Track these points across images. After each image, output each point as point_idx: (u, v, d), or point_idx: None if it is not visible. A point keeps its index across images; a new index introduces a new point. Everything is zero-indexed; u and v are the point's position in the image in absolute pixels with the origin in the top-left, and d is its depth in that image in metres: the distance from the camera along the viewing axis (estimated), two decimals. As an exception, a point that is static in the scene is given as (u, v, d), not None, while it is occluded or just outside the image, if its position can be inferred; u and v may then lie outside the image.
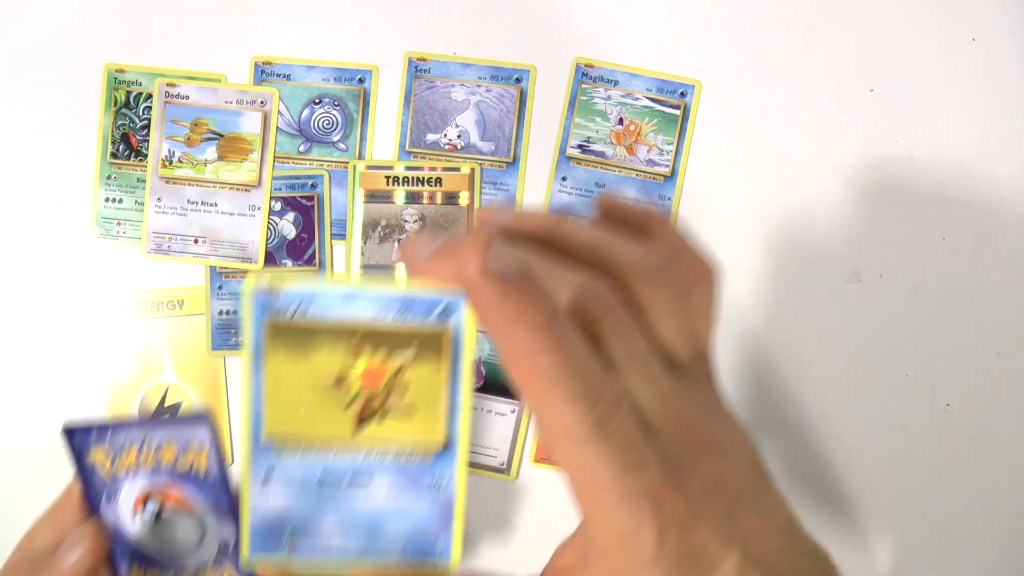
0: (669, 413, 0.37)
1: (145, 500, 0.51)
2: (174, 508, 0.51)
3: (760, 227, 0.69)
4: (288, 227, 0.69)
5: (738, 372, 0.69)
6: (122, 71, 0.69)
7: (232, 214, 0.69)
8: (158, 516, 0.51)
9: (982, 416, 0.69)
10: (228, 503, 0.51)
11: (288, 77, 0.69)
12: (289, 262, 0.69)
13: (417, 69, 0.69)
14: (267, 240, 0.69)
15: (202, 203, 0.69)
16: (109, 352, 0.70)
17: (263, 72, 0.69)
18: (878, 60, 0.69)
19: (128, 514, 0.52)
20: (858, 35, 0.69)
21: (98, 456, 0.52)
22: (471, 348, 0.39)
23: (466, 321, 0.38)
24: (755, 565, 0.37)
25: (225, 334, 0.69)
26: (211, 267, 0.69)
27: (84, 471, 0.52)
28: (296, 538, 0.41)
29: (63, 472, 0.70)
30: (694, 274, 0.40)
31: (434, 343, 0.39)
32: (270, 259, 0.69)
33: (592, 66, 0.69)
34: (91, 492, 0.53)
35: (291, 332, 0.38)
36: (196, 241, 0.69)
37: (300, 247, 0.69)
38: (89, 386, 0.70)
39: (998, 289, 0.68)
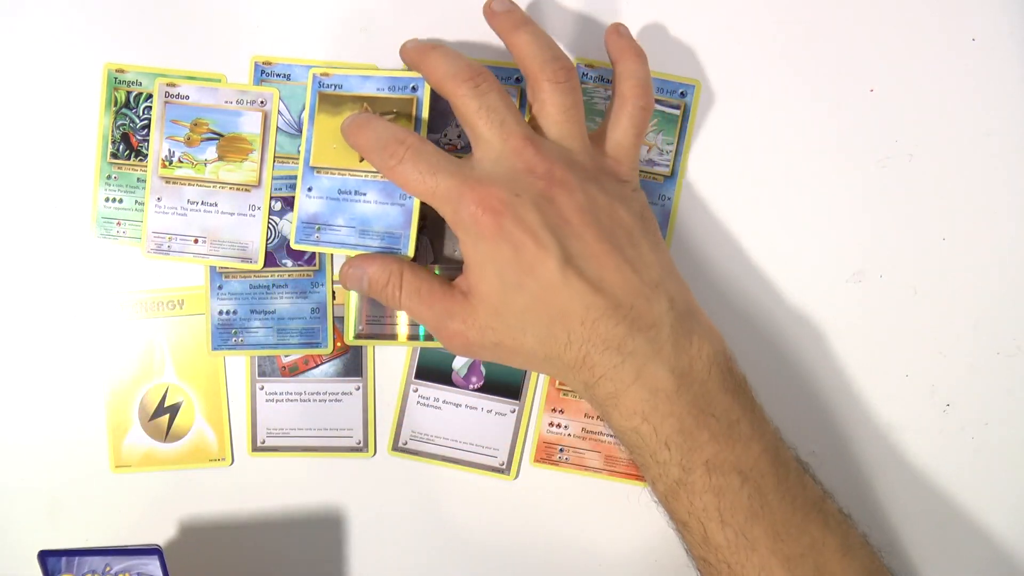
0: (507, 144, 0.59)
1: None
2: None
3: (760, 227, 0.69)
4: (288, 227, 0.69)
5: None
6: (122, 71, 0.69)
7: (232, 214, 0.69)
8: None
9: (982, 416, 0.69)
10: None
11: (288, 77, 0.69)
12: (289, 262, 0.69)
13: (417, 69, 0.69)
14: (267, 240, 0.69)
15: (202, 203, 0.69)
16: (109, 352, 0.70)
17: (263, 72, 0.69)
18: (878, 60, 0.69)
19: None
20: (858, 35, 0.69)
21: None
22: (427, 107, 0.66)
23: (426, 91, 0.65)
24: (580, 278, 0.58)
25: (225, 334, 0.69)
26: (211, 267, 0.69)
27: None
28: (322, 232, 0.67)
29: (64, 472, 0.70)
30: (624, 95, 0.63)
31: (407, 106, 0.66)
32: (270, 259, 0.69)
33: (592, 66, 0.69)
34: None
35: (330, 98, 0.68)
36: (196, 241, 0.69)
37: (300, 247, 0.69)
38: (89, 386, 0.70)
39: (998, 289, 0.68)
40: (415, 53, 0.62)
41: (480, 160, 0.59)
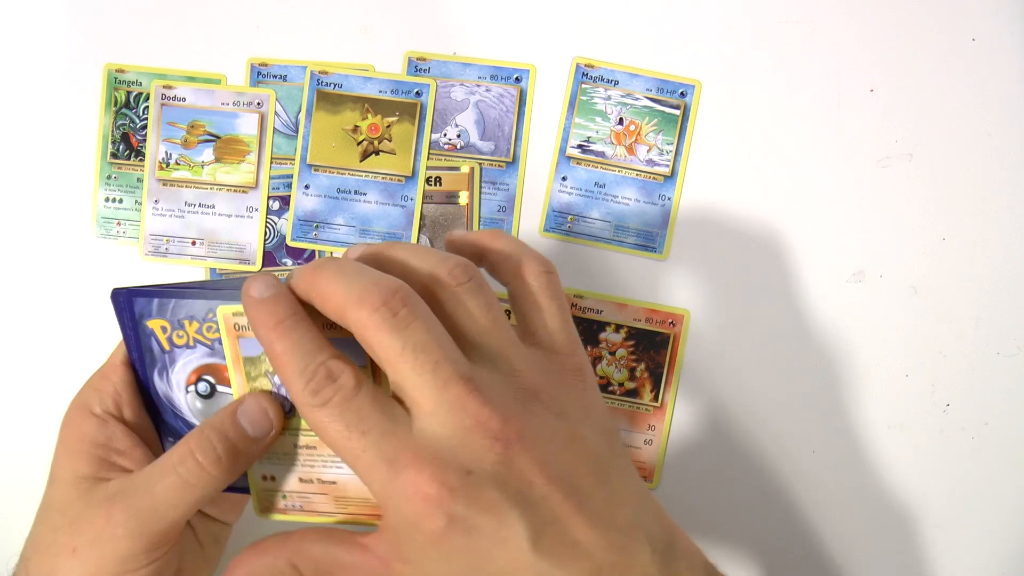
0: (448, 393, 0.42)
1: (200, 375, 0.50)
2: (228, 389, 0.50)
3: (760, 227, 0.69)
4: (287, 226, 0.69)
5: (737, 372, 0.69)
6: (122, 71, 0.69)
7: (230, 215, 0.69)
8: (212, 392, 0.50)
9: (982, 416, 0.69)
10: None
11: (285, 78, 0.69)
12: (289, 261, 0.69)
13: (417, 69, 0.69)
14: (266, 240, 0.69)
15: (199, 205, 0.69)
16: (109, 352, 0.70)
17: (260, 73, 0.69)
18: (878, 60, 0.68)
19: (180, 388, 0.52)
20: (858, 35, 0.68)
21: (156, 326, 0.50)
22: (431, 112, 0.65)
23: (431, 95, 0.65)
24: (561, 550, 0.42)
25: (225, 334, 0.69)
26: (211, 268, 0.69)
27: (139, 339, 0.51)
28: (320, 230, 0.67)
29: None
30: (531, 274, 0.49)
31: (411, 110, 0.67)
32: (269, 259, 0.69)
33: (592, 66, 0.69)
34: (143, 362, 0.51)
35: (329, 97, 0.68)
36: (194, 243, 0.69)
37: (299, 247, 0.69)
38: (89, 386, 0.70)
39: (998, 289, 0.68)
40: (301, 280, 0.44)
41: (416, 418, 0.43)
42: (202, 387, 0.50)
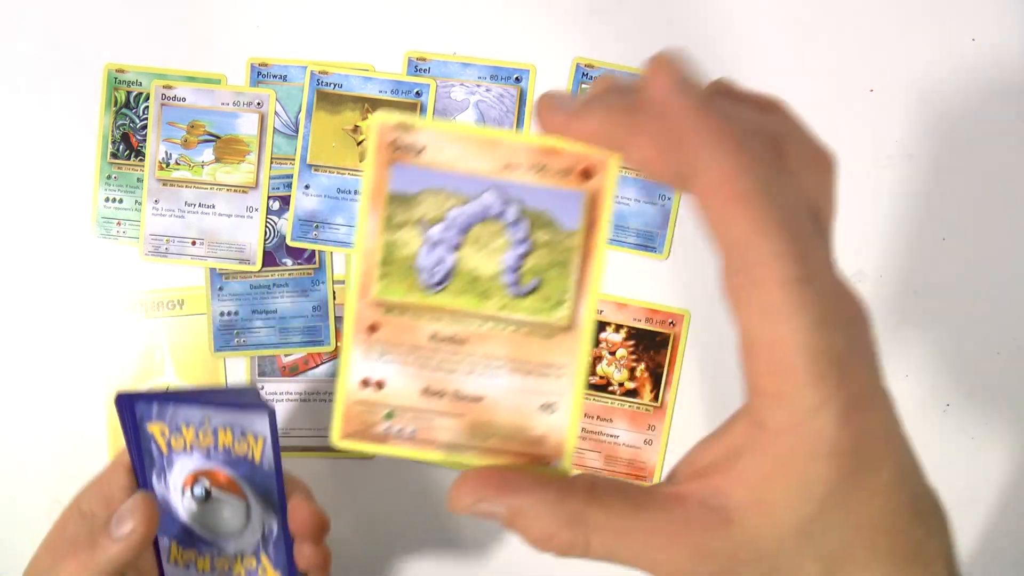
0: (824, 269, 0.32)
1: (196, 479, 0.51)
2: (224, 490, 0.51)
3: (760, 227, 0.69)
4: (287, 226, 0.69)
5: (737, 372, 0.69)
6: (122, 71, 0.69)
7: (230, 215, 0.69)
8: (207, 496, 0.52)
9: (982, 416, 0.69)
10: (278, 495, 0.51)
11: (285, 78, 0.69)
12: (289, 261, 0.69)
13: (417, 69, 0.69)
14: (266, 239, 0.69)
15: (199, 205, 0.69)
16: (109, 352, 0.70)
17: (260, 74, 0.69)
18: (878, 60, 0.68)
19: (177, 491, 0.53)
20: (858, 35, 0.68)
21: (156, 429, 0.52)
22: (431, 113, 0.67)
23: (431, 95, 0.64)
24: (905, 481, 0.34)
25: (227, 335, 0.69)
26: (211, 268, 0.69)
27: (139, 442, 0.52)
28: (320, 230, 0.68)
29: (64, 472, 0.70)
30: (823, 160, 0.36)
31: (411, 110, 0.68)
32: (270, 258, 0.69)
33: (592, 66, 0.69)
34: (142, 464, 0.53)
35: (329, 97, 0.68)
36: (194, 243, 0.69)
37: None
38: (89, 386, 0.70)
39: (998, 289, 0.68)
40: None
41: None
42: (198, 490, 0.52)
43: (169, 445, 0.52)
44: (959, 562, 0.37)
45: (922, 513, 0.36)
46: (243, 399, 0.52)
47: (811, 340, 0.30)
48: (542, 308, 0.37)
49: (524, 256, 0.37)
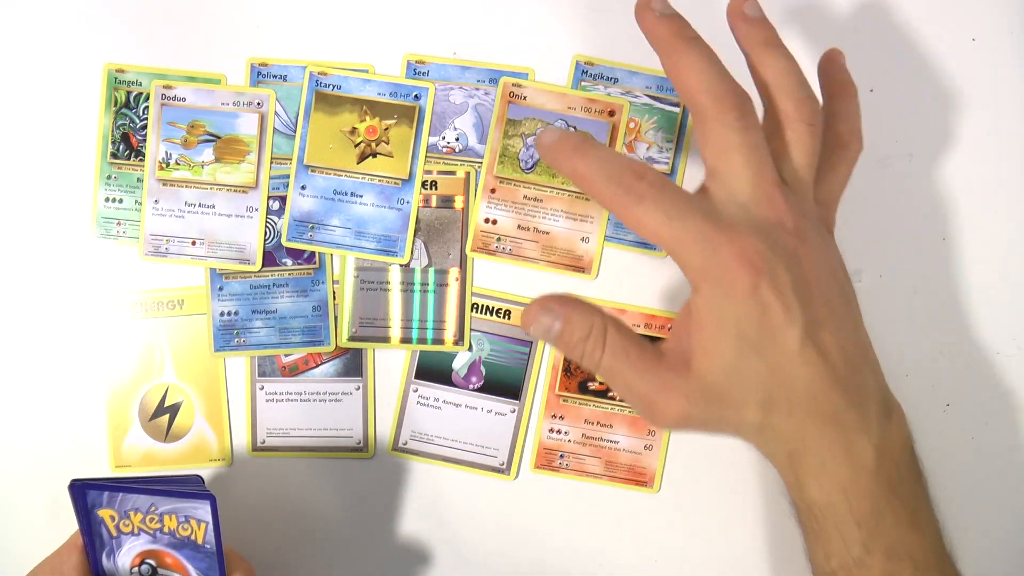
0: (762, 190, 0.51)
1: (143, 559, 0.57)
2: (169, 571, 0.57)
3: (760, 227, 0.69)
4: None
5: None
6: (122, 71, 0.69)
7: (230, 215, 0.69)
8: (153, 573, 0.57)
9: (982, 416, 0.69)
10: (220, 573, 0.56)
11: (285, 78, 0.69)
12: (289, 261, 0.69)
13: (416, 72, 0.69)
14: (266, 239, 0.69)
15: (199, 205, 0.69)
16: (109, 352, 0.70)
17: (259, 74, 0.69)
18: (878, 60, 0.68)
19: (126, 570, 0.58)
20: (858, 35, 0.68)
21: (105, 514, 0.57)
22: (429, 116, 0.68)
23: (429, 99, 0.68)
24: (816, 350, 0.50)
25: (227, 335, 0.69)
26: (211, 268, 0.69)
27: (90, 525, 0.57)
28: (315, 231, 0.68)
29: (64, 472, 0.70)
30: (846, 146, 0.58)
31: (409, 113, 0.68)
32: (269, 258, 0.69)
33: (592, 63, 0.69)
34: (93, 546, 0.58)
35: (328, 98, 0.68)
36: (194, 243, 0.69)
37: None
38: (89, 386, 0.70)
39: (998, 289, 0.68)
40: (668, 41, 0.53)
41: (725, 203, 0.51)
42: (144, 568, 0.57)
43: (119, 528, 0.57)
44: (899, 449, 0.53)
45: (848, 388, 0.51)
46: (187, 487, 0.57)
47: (748, 182, 0.51)
48: None
49: None
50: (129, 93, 0.69)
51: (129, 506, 0.56)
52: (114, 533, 0.57)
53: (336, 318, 0.69)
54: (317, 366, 0.70)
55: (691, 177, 0.69)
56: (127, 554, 0.57)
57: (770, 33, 0.55)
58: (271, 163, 0.69)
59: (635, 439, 0.69)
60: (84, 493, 0.56)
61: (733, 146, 0.50)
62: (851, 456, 0.52)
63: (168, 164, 0.69)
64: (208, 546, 0.55)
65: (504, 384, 0.70)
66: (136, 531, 0.57)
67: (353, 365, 0.70)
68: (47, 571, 0.58)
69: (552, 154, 0.52)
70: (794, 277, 0.49)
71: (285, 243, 0.68)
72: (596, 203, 0.56)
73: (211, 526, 0.55)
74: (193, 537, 0.55)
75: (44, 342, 0.70)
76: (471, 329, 0.69)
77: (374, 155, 0.69)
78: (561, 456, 0.70)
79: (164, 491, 0.55)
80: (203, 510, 0.55)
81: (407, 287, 0.69)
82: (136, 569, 0.57)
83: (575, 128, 0.69)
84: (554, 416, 0.70)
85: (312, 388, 0.70)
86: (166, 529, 0.56)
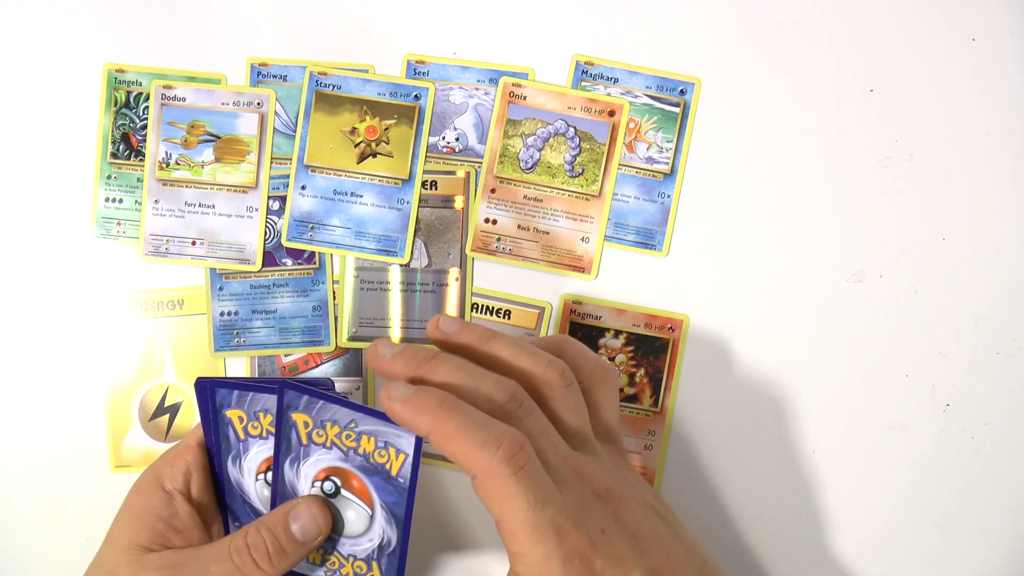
0: (567, 469, 0.49)
1: (328, 475, 0.53)
2: (352, 495, 0.53)
3: (759, 226, 0.69)
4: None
5: (737, 372, 0.69)
6: (122, 71, 0.69)
7: (230, 215, 0.69)
8: (336, 493, 0.53)
9: (982, 416, 0.69)
10: (406, 511, 0.53)
11: (285, 78, 0.69)
12: (289, 261, 0.69)
13: (416, 72, 0.69)
14: (266, 240, 0.69)
15: (199, 205, 0.69)
16: (109, 352, 0.70)
17: (259, 74, 0.69)
18: (878, 60, 0.68)
19: (251, 476, 0.56)
20: (858, 35, 0.68)
21: (235, 416, 0.55)
22: (429, 116, 0.68)
23: (429, 99, 0.68)
24: None
25: (227, 335, 0.69)
26: (211, 268, 0.69)
27: (218, 426, 0.56)
28: (315, 231, 0.68)
29: (64, 472, 0.70)
30: (596, 378, 0.56)
31: (409, 113, 0.68)
32: (269, 258, 0.69)
33: (592, 63, 0.69)
34: (219, 447, 0.56)
35: (328, 98, 0.68)
36: (194, 243, 0.69)
37: (299, 247, 0.70)
38: (89, 386, 0.70)
39: (998, 289, 0.68)
40: (410, 409, 0.48)
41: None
42: (328, 486, 0.54)
43: (247, 431, 0.55)
44: None
45: None
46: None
47: (528, 514, 0.46)
48: (584, 184, 0.69)
49: (576, 155, 0.69)
50: (129, 93, 0.69)
51: (259, 407, 0.54)
52: (242, 436, 0.55)
53: (336, 318, 0.69)
54: (317, 366, 0.70)
55: (691, 176, 0.69)
56: (254, 459, 0.55)
57: (475, 331, 0.54)
58: (271, 163, 0.69)
59: (635, 439, 0.69)
60: (213, 392, 0.55)
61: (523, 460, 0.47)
62: None
63: (168, 164, 0.69)
64: (402, 480, 0.51)
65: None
66: (265, 434, 0.54)
67: (353, 365, 0.70)
68: (175, 472, 0.57)
69: (404, 420, 0.48)
70: (626, 542, 0.49)
71: (285, 243, 0.68)
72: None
73: (411, 459, 0.51)
74: (388, 466, 0.51)
75: (44, 342, 0.70)
76: (471, 329, 0.69)
77: (374, 155, 0.69)
78: None
79: (370, 410, 0.51)
80: (407, 440, 0.51)
81: (407, 287, 0.69)
82: (319, 484, 0.53)
83: (575, 128, 0.68)
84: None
85: (312, 388, 0.70)
86: (361, 450, 0.52)
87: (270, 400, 0.54)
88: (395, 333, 0.69)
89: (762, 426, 0.69)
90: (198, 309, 0.70)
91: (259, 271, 0.69)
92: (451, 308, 0.69)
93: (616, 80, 0.69)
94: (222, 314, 0.69)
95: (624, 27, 0.69)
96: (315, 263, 0.69)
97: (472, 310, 0.69)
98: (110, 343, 0.70)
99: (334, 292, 0.69)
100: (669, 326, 0.69)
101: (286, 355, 0.70)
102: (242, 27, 0.69)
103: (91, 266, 0.70)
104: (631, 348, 0.69)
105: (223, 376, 0.56)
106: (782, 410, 0.69)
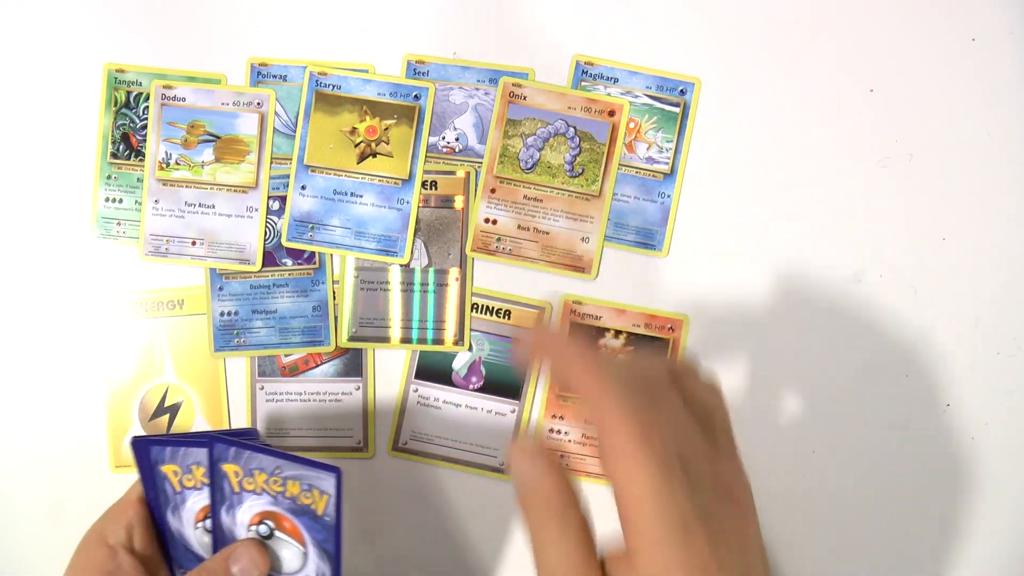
0: (705, 464, 0.46)
1: (262, 519, 0.56)
2: (285, 535, 0.56)
3: (759, 226, 0.69)
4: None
5: (737, 372, 0.69)
6: (122, 71, 0.69)
7: (230, 215, 0.69)
8: (271, 535, 0.56)
9: (982, 416, 0.69)
10: (335, 547, 0.55)
11: (285, 78, 0.69)
12: (289, 261, 0.69)
13: (416, 72, 0.69)
14: (266, 240, 0.69)
15: (199, 205, 0.69)
16: (109, 352, 0.70)
17: (259, 74, 0.69)
18: (878, 60, 0.68)
19: (191, 524, 0.58)
20: (858, 35, 0.68)
21: (169, 470, 0.57)
22: (429, 115, 0.68)
23: (429, 99, 0.68)
24: None
25: (227, 335, 0.69)
26: (211, 268, 0.69)
27: (155, 481, 0.57)
28: (315, 231, 0.68)
29: (64, 472, 0.70)
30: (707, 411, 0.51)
31: (409, 113, 0.68)
32: (269, 259, 0.69)
33: (592, 64, 0.69)
34: (158, 500, 0.58)
35: (328, 98, 0.68)
36: (194, 243, 0.69)
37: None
38: (89, 386, 0.70)
39: (998, 289, 0.68)
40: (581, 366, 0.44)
41: None
42: (263, 529, 0.56)
43: (182, 483, 0.57)
44: None
45: None
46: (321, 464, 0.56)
47: (661, 509, 0.42)
48: (584, 184, 0.69)
49: (576, 155, 0.69)
50: (129, 93, 0.69)
51: (192, 460, 0.56)
52: (178, 488, 0.57)
53: (336, 318, 0.69)
54: (317, 366, 0.70)
55: (691, 176, 0.69)
56: (247, 511, 0.56)
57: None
58: (271, 163, 0.69)
59: (635, 439, 0.69)
60: (147, 449, 0.56)
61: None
62: None
63: (168, 164, 0.69)
64: (328, 518, 0.55)
65: (504, 384, 0.70)
66: (199, 485, 0.56)
67: (353, 365, 0.70)
68: (117, 527, 0.57)
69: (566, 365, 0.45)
70: (738, 556, 0.45)
71: (285, 243, 0.68)
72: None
73: (333, 499, 0.54)
74: (314, 507, 0.55)
75: (44, 342, 0.70)
76: (471, 329, 0.69)
77: (374, 155, 0.69)
78: (561, 456, 0.69)
79: (291, 456, 0.54)
80: (328, 482, 0.54)
81: (407, 287, 0.69)
82: (254, 528, 0.56)
83: (575, 128, 0.68)
84: (554, 416, 0.70)
85: (312, 388, 0.70)
86: (288, 494, 0.55)
87: (201, 454, 0.56)
88: (395, 333, 0.69)
89: (762, 426, 0.69)
90: (198, 309, 0.70)
91: (259, 271, 0.69)
92: (451, 308, 0.69)
93: (616, 80, 0.69)
94: (222, 314, 0.69)
95: (624, 27, 0.69)
96: (315, 263, 0.69)
97: (472, 310, 0.69)
98: (110, 343, 0.70)
99: (334, 292, 0.69)
100: (669, 326, 0.69)
101: (286, 355, 0.70)
102: (242, 27, 0.70)
103: (91, 266, 0.70)
104: (631, 348, 0.69)
105: (154, 435, 0.60)
106: (782, 410, 0.69)
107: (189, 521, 0.58)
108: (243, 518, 0.56)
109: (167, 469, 0.57)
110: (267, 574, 0.56)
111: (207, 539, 0.57)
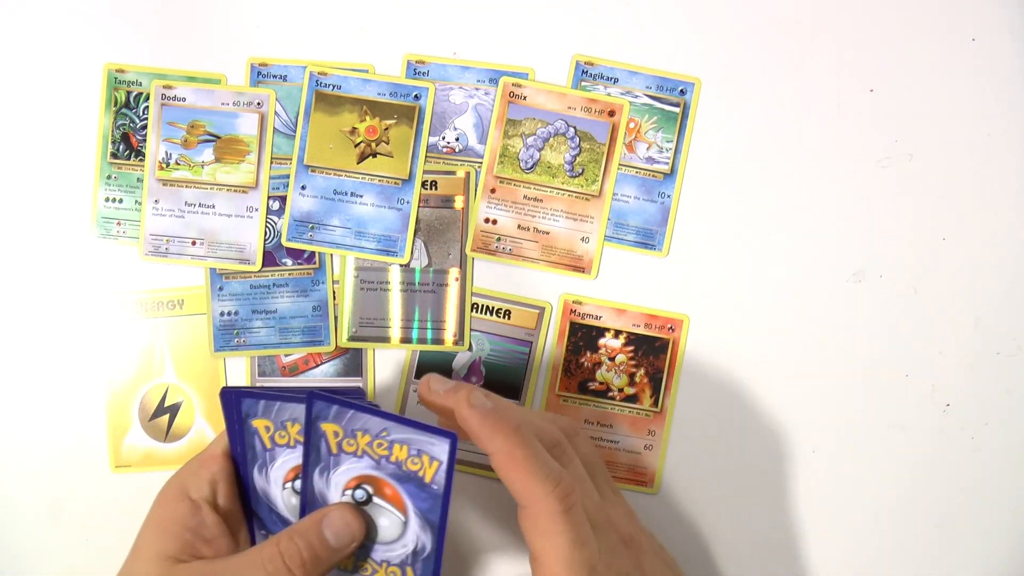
0: (600, 515, 0.53)
1: (359, 484, 0.53)
2: (385, 502, 0.53)
3: (759, 226, 0.69)
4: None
5: (737, 372, 0.69)
6: (122, 71, 0.69)
7: (230, 215, 0.69)
8: (368, 500, 0.53)
9: (982, 416, 0.69)
10: (441, 517, 0.52)
11: (285, 78, 0.69)
12: (289, 261, 0.69)
13: (416, 72, 0.69)
14: (266, 240, 0.69)
15: (199, 205, 0.69)
16: (109, 352, 0.70)
17: (260, 73, 0.69)
18: (878, 60, 0.68)
19: (278, 485, 0.55)
20: (858, 35, 0.68)
21: (261, 425, 0.54)
22: (428, 115, 0.68)
23: (429, 99, 0.68)
24: None
25: (227, 335, 0.69)
26: (211, 268, 0.69)
27: (244, 436, 0.55)
28: (315, 231, 0.68)
29: (64, 472, 0.70)
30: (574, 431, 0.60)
31: (409, 113, 0.69)
32: (269, 258, 0.69)
33: (592, 63, 0.69)
34: (245, 456, 0.56)
35: (328, 98, 0.69)
36: (194, 243, 0.69)
37: (299, 247, 0.69)
38: (89, 386, 0.70)
39: (998, 289, 0.68)
40: (488, 425, 0.52)
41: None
42: (359, 494, 0.53)
43: (273, 440, 0.55)
44: None
45: None
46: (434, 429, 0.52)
47: (571, 551, 0.50)
48: (584, 184, 0.69)
49: (576, 155, 0.69)
50: (129, 93, 0.69)
51: (286, 416, 0.54)
52: (268, 445, 0.55)
53: (336, 318, 0.69)
54: (317, 366, 0.70)
55: (691, 176, 0.69)
56: (281, 468, 0.54)
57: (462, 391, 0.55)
58: (271, 163, 0.69)
59: (635, 439, 0.69)
60: (239, 402, 0.54)
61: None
62: None
63: (168, 164, 0.69)
64: (436, 487, 0.51)
65: (504, 384, 0.70)
66: (293, 443, 0.54)
67: (353, 365, 0.70)
68: (200, 482, 0.55)
69: (480, 433, 0.52)
70: None
71: (285, 243, 0.68)
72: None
73: (445, 466, 0.51)
74: (422, 473, 0.51)
75: (44, 342, 0.70)
76: (471, 329, 0.69)
77: (374, 155, 0.69)
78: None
79: (401, 418, 0.51)
80: (441, 447, 0.51)
81: (407, 287, 0.69)
82: (350, 492, 0.53)
83: (575, 128, 0.68)
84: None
85: (311, 388, 0.70)
86: (393, 458, 0.52)
87: (298, 410, 0.53)
88: (395, 333, 0.69)
89: (762, 426, 0.69)
90: (198, 309, 0.70)
91: (259, 271, 0.69)
92: (451, 308, 0.69)
93: (616, 80, 0.69)
94: (222, 314, 0.69)
95: (624, 27, 0.69)
96: (315, 263, 0.69)
97: (472, 310, 0.69)
98: (110, 343, 0.70)
99: (334, 292, 0.69)
100: (669, 326, 0.69)
101: (286, 355, 0.70)
102: (242, 27, 0.70)
103: (91, 266, 0.70)
104: (631, 348, 0.69)
105: (249, 386, 0.56)
106: (782, 410, 0.69)
107: (277, 481, 0.55)
108: (338, 481, 0.53)
109: (259, 424, 0.54)
110: (362, 542, 0.53)
111: (295, 501, 0.55)
